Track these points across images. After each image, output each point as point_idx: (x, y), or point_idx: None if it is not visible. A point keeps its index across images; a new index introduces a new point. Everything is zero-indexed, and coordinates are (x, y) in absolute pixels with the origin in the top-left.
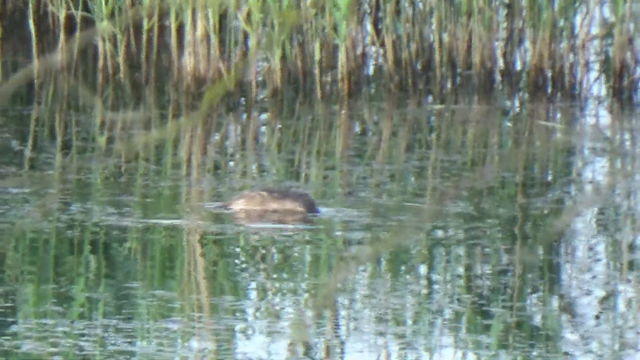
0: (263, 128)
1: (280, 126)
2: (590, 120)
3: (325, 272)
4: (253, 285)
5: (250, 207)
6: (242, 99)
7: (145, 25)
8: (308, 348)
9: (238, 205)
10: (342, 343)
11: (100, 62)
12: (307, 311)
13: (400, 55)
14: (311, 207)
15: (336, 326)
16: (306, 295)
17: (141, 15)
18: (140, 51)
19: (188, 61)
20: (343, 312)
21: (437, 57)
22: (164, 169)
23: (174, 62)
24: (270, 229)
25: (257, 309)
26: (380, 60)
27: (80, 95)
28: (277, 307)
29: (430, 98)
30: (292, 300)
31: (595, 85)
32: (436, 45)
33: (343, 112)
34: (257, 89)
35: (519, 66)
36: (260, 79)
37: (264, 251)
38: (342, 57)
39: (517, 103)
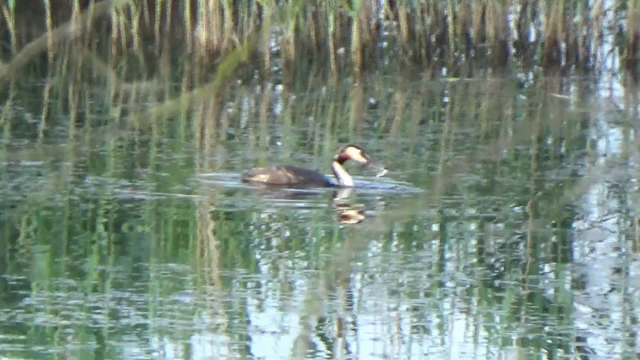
0: (277, 100)
1: (293, 98)
2: (604, 93)
3: (338, 246)
4: (266, 258)
5: (270, 182)
6: (256, 71)
7: None
8: (320, 321)
9: (259, 179)
10: (355, 316)
11: (114, 34)
12: (320, 284)
13: (415, 28)
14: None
15: (349, 299)
16: (319, 268)
17: None
18: (154, 23)
19: (202, 33)
20: (355, 285)
21: (451, 30)
22: (177, 141)
23: (187, 34)
24: (284, 202)
25: (270, 282)
26: (395, 32)
27: (94, 67)
28: (290, 281)
29: (444, 71)
30: (305, 274)
31: (609, 57)
32: (450, 18)
33: (356, 84)
34: (271, 61)
35: (533, 39)
36: (274, 51)
37: (277, 225)
38: (356, 29)
39: (531, 76)
